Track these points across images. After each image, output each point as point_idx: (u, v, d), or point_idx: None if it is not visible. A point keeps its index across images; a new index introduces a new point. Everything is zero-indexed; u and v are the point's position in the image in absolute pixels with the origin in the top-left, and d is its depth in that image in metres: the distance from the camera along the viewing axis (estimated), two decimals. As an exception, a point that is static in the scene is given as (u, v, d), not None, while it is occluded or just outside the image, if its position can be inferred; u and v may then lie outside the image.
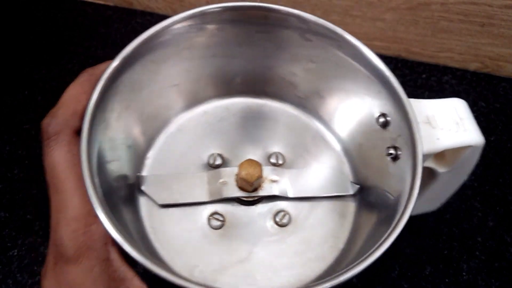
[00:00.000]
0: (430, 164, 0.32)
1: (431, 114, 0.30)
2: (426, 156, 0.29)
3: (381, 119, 0.31)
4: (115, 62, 0.31)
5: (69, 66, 0.59)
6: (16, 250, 0.39)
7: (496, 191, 0.43)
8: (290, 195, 0.32)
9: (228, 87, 0.38)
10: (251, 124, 0.37)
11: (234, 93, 0.38)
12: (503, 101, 0.54)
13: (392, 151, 0.30)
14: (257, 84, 0.38)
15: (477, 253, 0.39)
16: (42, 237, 0.40)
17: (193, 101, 0.37)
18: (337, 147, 0.36)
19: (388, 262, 0.38)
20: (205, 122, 0.37)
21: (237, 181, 0.32)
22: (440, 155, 0.33)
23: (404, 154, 0.29)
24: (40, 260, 0.38)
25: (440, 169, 0.33)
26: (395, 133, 0.30)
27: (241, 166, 0.31)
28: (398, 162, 0.30)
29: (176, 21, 0.32)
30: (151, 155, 0.35)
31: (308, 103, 0.38)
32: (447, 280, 0.37)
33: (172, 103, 0.37)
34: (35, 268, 0.37)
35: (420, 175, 0.27)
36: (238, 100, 0.38)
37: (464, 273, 0.37)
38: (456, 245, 0.39)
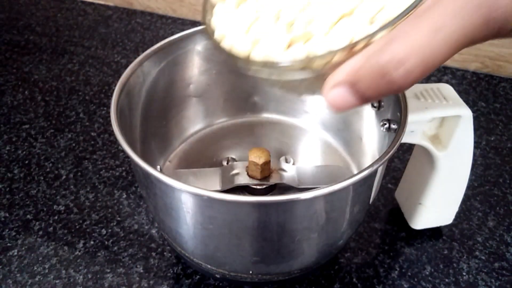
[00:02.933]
0: (427, 143, 0.34)
1: (420, 92, 0.33)
2: (418, 125, 0.32)
3: (375, 103, 0.34)
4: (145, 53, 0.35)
5: (69, 66, 0.59)
6: (16, 250, 0.39)
7: (496, 191, 0.43)
8: (298, 185, 0.34)
9: (245, 105, 0.42)
10: (266, 137, 0.42)
11: (251, 112, 0.42)
12: (503, 101, 0.54)
13: (385, 122, 0.33)
14: (270, 103, 0.42)
15: (477, 253, 0.39)
16: (42, 237, 0.40)
17: (213, 117, 0.42)
18: (344, 152, 0.40)
19: (388, 262, 0.38)
20: (222, 135, 0.41)
21: (247, 171, 0.34)
22: (435, 137, 0.34)
23: (395, 123, 0.32)
24: (40, 260, 0.38)
25: (438, 151, 0.34)
26: (388, 112, 0.33)
27: (250, 152, 0.33)
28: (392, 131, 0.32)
29: (195, 32, 0.36)
30: (170, 158, 0.39)
31: (316, 116, 0.42)
32: (447, 280, 0.37)
33: (193, 116, 0.41)
34: (35, 268, 0.37)
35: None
36: (254, 118, 0.42)
37: (464, 273, 0.37)
38: (456, 245, 0.39)
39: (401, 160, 0.46)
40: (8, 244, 0.39)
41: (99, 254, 0.38)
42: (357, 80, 0.18)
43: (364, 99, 0.19)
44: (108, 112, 0.31)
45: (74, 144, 0.48)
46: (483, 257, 0.38)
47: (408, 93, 0.31)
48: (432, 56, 0.18)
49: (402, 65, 0.17)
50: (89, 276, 0.37)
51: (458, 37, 0.18)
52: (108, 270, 0.37)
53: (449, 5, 0.18)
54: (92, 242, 0.39)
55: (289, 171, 0.34)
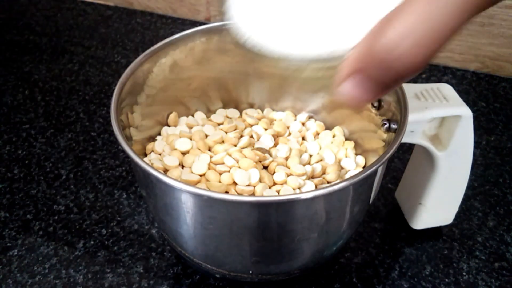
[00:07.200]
0: (427, 143, 0.34)
1: (420, 92, 0.33)
2: (418, 125, 0.32)
3: (375, 103, 0.34)
4: (144, 53, 0.34)
5: (69, 66, 0.59)
6: (16, 250, 0.39)
7: (496, 191, 0.43)
8: None
9: (244, 106, 0.42)
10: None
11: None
12: (503, 101, 0.54)
13: (385, 122, 0.32)
14: (269, 104, 0.42)
15: (477, 253, 0.39)
16: (42, 237, 0.40)
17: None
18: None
19: (388, 262, 0.38)
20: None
21: None
22: (435, 138, 0.34)
23: (395, 122, 0.31)
24: (40, 260, 0.38)
25: (438, 151, 0.34)
26: (388, 112, 0.33)
27: None
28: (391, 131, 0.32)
29: (195, 32, 0.36)
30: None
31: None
32: (447, 280, 0.37)
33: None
34: (35, 268, 0.37)
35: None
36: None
37: (464, 273, 0.37)
38: (456, 245, 0.39)
39: (401, 160, 0.46)
40: (8, 244, 0.39)
41: (99, 254, 0.38)
42: (364, 67, 0.17)
43: (380, 87, 0.17)
44: (108, 112, 0.30)
45: (74, 144, 0.48)
46: (483, 257, 0.38)
47: (408, 93, 0.31)
48: (436, 27, 0.15)
49: (397, 47, 0.15)
50: (89, 276, 0.37)
51: (457, 13, 0.15)
52: (108, 270, 0.37)
53: None
54: (92, 242, 0.39)
55: None
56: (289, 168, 0.35)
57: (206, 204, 0.27)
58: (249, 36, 0.23)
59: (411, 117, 0.30)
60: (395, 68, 0.16)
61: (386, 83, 0.17)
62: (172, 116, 0.39)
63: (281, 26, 0.22)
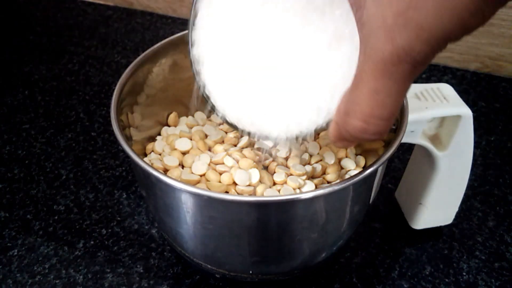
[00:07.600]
0: (427, 143, 0.34)
1: (420, 92, 0.33)
2: (418, 125, 0.32)
3: None
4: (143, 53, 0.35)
5: (69, 66, 0.59)
6: (16, 250, 0.39)
7: (496, 191, 0.43)
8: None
9: None
10: None
11: None
12: (503, 101, 0.54)
13: None
14: None
15: (477, 253, 0.39)
16: (42, 237, 0.40)
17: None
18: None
19: (388, 262, 0.38)
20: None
21: None
22: (435, 138, 0.34)
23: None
24: (40, 260, 0.38)
25: (438, 151, 0.34)
26: None
27: None
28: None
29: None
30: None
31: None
32: (447, 280, 0.37)
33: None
34: (35, 268, 0.37)
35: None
36: None
37: (464, 273, 0.37)
38: (456, 245, 0.39)
39: (401, 160, 0.46)
40: (8, 244, 0.39)
41: (99, 254, 0.38)
42: (344, 138, 0.22)
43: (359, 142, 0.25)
44: (108, 112, 0.31)
45: (74, 144, 0.48)
46: (483, 257, 0.38)
47: (408, 93, 0.31)
48: (385, 111, 0.20)
49: (366, 130, 0.21)
50: (89, 276, 0.37)
51: (398, 90, 0.20)
52: (108, 270, 0.37)
53: (374, 67, 0.19)
54: (92, 242, 0.39)
55: None
56: (289, 168, 0.35)
57: (206, 204, 0.27)
58: (223, 115, 0.29)
59: (411, 117, 0.30)
60: (368, 138, 0.22)
61: (365, 140, 0.23)
62: (172, 116, 0.39)
63: (251, 108, 0.27)
